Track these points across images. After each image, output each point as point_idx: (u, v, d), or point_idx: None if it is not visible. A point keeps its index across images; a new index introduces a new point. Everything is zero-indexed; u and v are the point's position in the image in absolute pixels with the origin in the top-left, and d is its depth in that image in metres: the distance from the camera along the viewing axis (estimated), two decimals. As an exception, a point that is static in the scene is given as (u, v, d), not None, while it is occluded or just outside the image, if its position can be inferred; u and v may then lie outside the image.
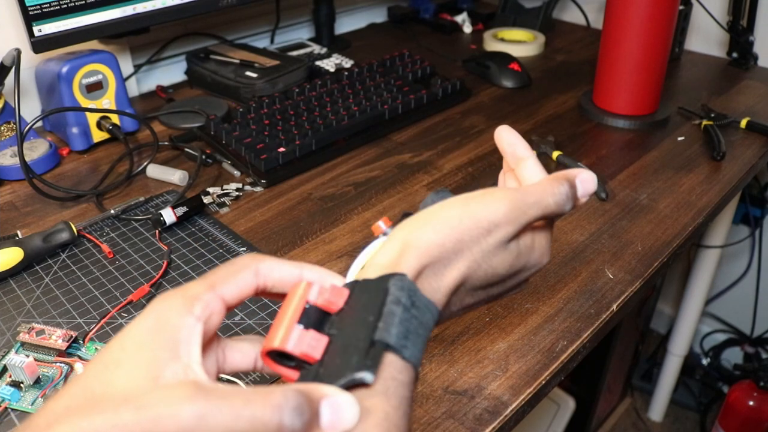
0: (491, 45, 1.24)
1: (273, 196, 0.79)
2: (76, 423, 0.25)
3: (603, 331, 0.60)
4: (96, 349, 0.56)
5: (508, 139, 0.42)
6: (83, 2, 0.83)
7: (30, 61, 0.89)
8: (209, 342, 0.32)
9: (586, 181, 0.38)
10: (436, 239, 0.33)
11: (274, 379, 0.53)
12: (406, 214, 0.35)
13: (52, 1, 0.80)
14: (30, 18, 0.79)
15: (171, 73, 1.12)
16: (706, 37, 1.24)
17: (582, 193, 0.38)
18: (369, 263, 0.34)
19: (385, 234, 0.35)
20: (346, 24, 1.36)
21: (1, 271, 0.64)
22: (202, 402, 0.25)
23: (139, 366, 0.27)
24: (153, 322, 0.28)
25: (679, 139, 0.91)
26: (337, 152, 0.87)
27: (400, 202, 0.77)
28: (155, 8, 0.90)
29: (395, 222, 0.35)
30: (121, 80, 0.89)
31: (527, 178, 0.40)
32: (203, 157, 0.83)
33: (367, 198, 0.78)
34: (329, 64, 1.13)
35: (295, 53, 1.16)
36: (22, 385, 0.52)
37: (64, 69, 0.83)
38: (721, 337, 1.62)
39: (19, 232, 0.71)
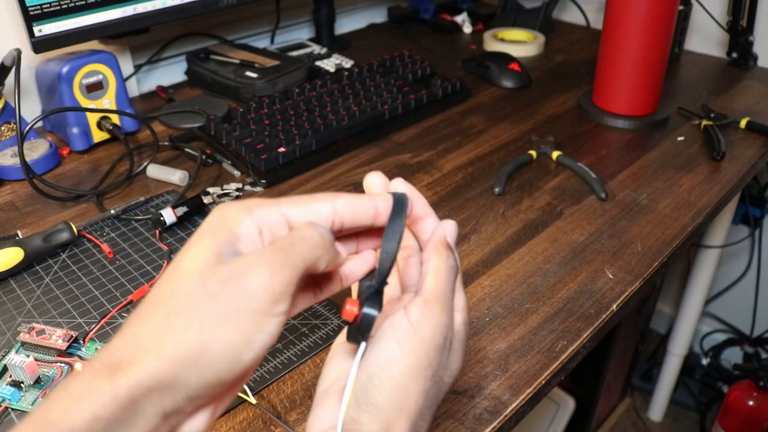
0: (491, 45, 1.24)
1: (273, 196, 0.78)
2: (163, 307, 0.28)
3: (603, 331, 0.60)
4: (96, 348, 0.56)
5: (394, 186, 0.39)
6: (83, 2, 0.83)
7: (30, 61, 0.89)
8: None
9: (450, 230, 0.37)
10: (416, 406, 0.33)
11: (275, 379, 0.53)
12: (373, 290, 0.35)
13: (52, 1, 0.80)
14: (30, 18, 0.79)
15: (171, 73, 1.12)
16: (706, 37, 1.25)
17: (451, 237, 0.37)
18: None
19: (355, 323, 0.34)
20: (346, 24, 1.36)
21: (1, 271, 0.64)
22: (268, 260, 0.29)
23: (202, 249, 0.29)
24: (213, 219, 0.31)
25: (679, 139, 0.91)
26: (337, 152, 0.87)
27: (400, 202, 0.77)
28: (155, 8, 0.90)
29: (361, 301, 0.34)
30: (122, 80, 0.89)
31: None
32: (203, 157, 0.83)
33: (367, 198, 0.78)
34: (329, 64, 1.13)
35: (295, 53, 1.16)
36: (22, 384, 0.52)
37: (65, 69, 0.83)
38: (720, 337, 1.62)
39: (19, 232, 0.71)
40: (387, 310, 0.36)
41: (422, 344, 0.33)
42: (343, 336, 0.37)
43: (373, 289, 0.34)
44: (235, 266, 0.29)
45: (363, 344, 0.34)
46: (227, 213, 0.31)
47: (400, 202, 0.36)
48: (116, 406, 0.26)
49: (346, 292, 0.38)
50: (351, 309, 0.34)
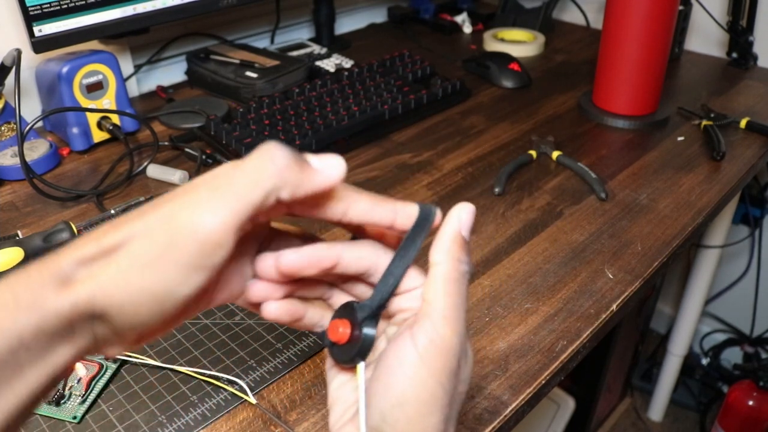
0: (491, 45, 1.24)
1: (273, 196, 0.79)
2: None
3: (603, 331, 0.60)
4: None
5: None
6: (83, 2, 0.83)
7: (30, 61, 0.89)
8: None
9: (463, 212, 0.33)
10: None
11: (275, 379, 0.53)
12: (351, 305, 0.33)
13: (52, 2, 0.80)
14: (30, 18, 0.79)
15: (171, 73, 1.12)
16: (706, 37, 1.25)
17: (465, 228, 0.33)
18: None
19: (350, 342, 0.32)
20: (346, 24, 1.36)
21: (1, 272, 0.64)
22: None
23: (214, 208, 0.28)
24: (256, 170, 0.28)
25: (679, 139, 0.91)
26: (337, 152, 0.86)
27: (400, 202, 0.77)
28: (155, 8, 0.90)
29: (354, 326, 0.32)
30: (122, 80, 0.89)
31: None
32: (203, 157, 0.83)
33: (367, 198, 0.78)
34: (329, 64, 1.13)
35: (295, 53, 1.16)
36: (22, 385, 0.52)
37: (65, 69, 0.83)
38: (720, 337, 1.62)
39: (19, 232, 0.71)
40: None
41: (435, 375, 0.30)
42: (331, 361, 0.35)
43: (371, 311, 0.32)
44: (167, 203, 0.28)
45: (362, 365, 0.32)
46: (271, 174, 0.28)
47: (425, 217, 0.33)
48: (59, 323, 0.26)
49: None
50: (344, 330, 0.32)
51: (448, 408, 0.31)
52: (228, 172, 0.28)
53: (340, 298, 0.35)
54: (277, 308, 0.33)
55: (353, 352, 0.32)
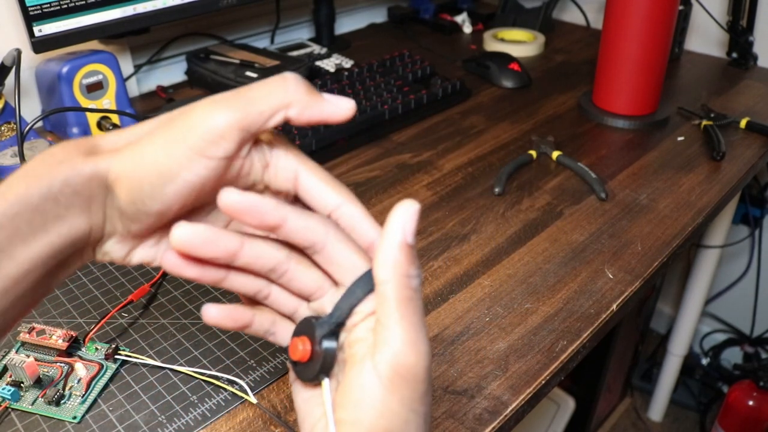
0: (491, 45, 1.24)
1: (273, 196, 0.79)
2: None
3: (603, 331, 0.60)
4: (96, 348, 0.56)
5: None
6: (83, 2, 0.83)
7: (30, 61, 0.89)
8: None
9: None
10: None
11: (275, 379, 0.53)
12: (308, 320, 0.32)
13: (52, 1, 0.80)
14: (30, 18, 0.79)
15: (171, 73, 1.12)
16: (706, 37, 1.25)
17: None
18: None
19: (308, 360, 0.32)
20: (346, 24, 1.36)
21: (1, 271, 0.64)
22: (220, 99, 0.30)
23: (219, 116, 0.30)
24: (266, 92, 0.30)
25: (679, 139, 0.91)
26: (337, 152, 0.87)
27: (400, 202, 0.77)
28: (155, 8, 0.90)
29: (314, 342, 0.31)
30: (122, 80, 0.89)
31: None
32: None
33: (367, 198, 0.78)
34: (329, 64, 1.13)
35: (295, 53, 1.16)
36: (22, 384, 0.52)
37: (65, 69, 0.83)
38: (720, 337, 1.62)
39: (19, 232, 0.71)
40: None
41: (407, 404, 0.28)
42: (296, 384, 0.34)
43: (330, 327, 0.31)
44: (191, 106, 0.30)
45: (327, 381, 0.31)
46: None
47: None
48: (81, 183, 0.29)
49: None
50: (305, 348, 0.31)
51: (424, 426, 0.30)
52: (248, 86, 0.30)
53: (279, 297, 0.34)
54: (217, 313, 0.32)
55: (316, 369, 0.31)
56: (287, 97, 0.29)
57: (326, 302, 0.33)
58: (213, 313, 0.32)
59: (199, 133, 0.29)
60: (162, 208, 0.30)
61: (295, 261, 0.32)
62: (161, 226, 0.32)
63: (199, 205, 0.33)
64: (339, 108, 0.31)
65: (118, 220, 0.31)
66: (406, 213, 0.29)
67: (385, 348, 0.28)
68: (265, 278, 0.33)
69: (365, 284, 0.31)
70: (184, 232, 0.29)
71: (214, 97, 0.30)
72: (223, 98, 0.30)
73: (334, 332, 0.31)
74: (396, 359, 0.28)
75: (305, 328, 0.33)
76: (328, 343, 0.31)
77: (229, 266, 0.32)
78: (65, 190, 0.29)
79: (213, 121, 0.29)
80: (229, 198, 0.29)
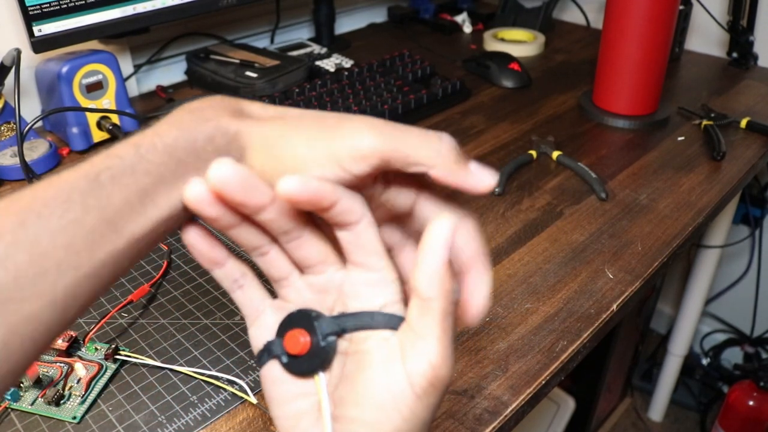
0: (491, 45, 1.24)
1: (273, 196, 0.79)
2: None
3: (603, 331, 0.60)
4: (96, 349, 0.56)
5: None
6: (83, 2, 0.83)
7: (30, 61, 0.89)
8: None
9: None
10: None
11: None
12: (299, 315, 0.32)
13: (52, 1, 0.80)
14: (30, 18, 0.79)
15: (171, 73, 1.12)
16: (706, 37, 1.24)
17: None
18: None
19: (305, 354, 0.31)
20: (346, 24, 1.36)
21: (1, 271, 0.64)
22: (375, 125, 0.30)
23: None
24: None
25: (679, 139, 0.91)
26: (337, 152, 0.87)
27: (400, 202, 0.77)
28: (155, 8, 0.90)
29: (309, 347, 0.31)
30: (121, 80, 0.89)
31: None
32: (203, 157, 0.83)
33: (367, 198, 0.78)
34: (329, 64, 1.13)
35: (295, 53, 1.16)
36: (22, 384, 0.52)
37: (64, 69, 0.83)
38: (721, 337, 1.62)
39: (19, 232, 0.71)
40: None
41: (432, 411, 0.30)
42: (274, 375, 0.33)
43: (337, 328, 0.31)
44: (349, 117, 0.31)
45: (323, 376, 0.31)
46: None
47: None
48: (226, 139, 0.30)
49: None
50: (305, 341, 0.31)
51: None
52: (409, 128, 0.31)
53: (276, 258, 0.33)
54: (198, 230, 0.31)
55: (315, 364, 0.31)
56: (435, 160, 0.30)
57: (322, 280, 0.33)
58: (194, 232, 0.31)
59: (347, 145, 0.29)
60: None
61: (311, 230, 0.32)
62: None
63: None
64: (481, 183, 0.32)
65: None
66: (447, 230, 0.29)
67: (423, 359, 0.29)
68: (271, 237, 0.32)
69: (388, 322, 0.30)
70: (227, 170, 0.27)
71: (374, 120, 0.30)
72: (381, 124, 0.30)
73: (336, 333, 0.31)
74: (433, 372, 0.29)
75: (300, 320, 0.32)
76: (331, 340, 0.31)
77: (246, 217, 0.30)
78: (208, 147, 0.29)
79: (363, 141, 0.29)
80: (290, 186, 0.27)
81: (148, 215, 0.28)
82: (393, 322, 0.30)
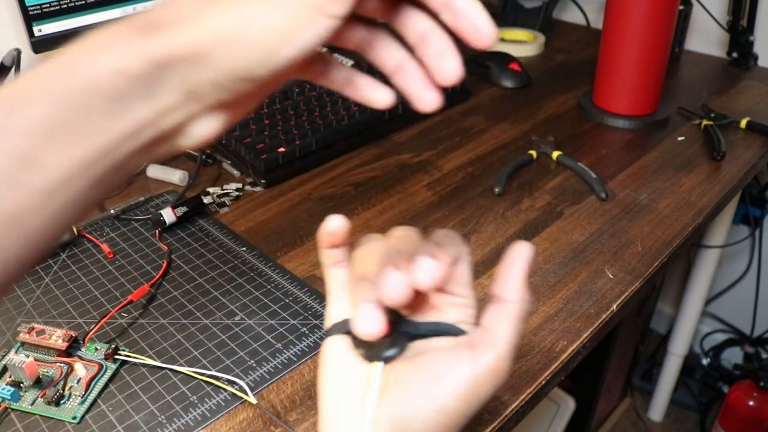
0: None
1: (273, 196, 0.79)
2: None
3: (603, 331, 0.60)
4: (96, 349, 0.56)
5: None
6: (83, 2, 0.83)
7: (30, 60, 0.89)
8: None
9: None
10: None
11: (275, 379, 0.53)
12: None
13: (52, 1, 0.80)
14: (30, 18, 0.79)
15: (171, 73, 1.12)
16: (706, 37, 1.24)
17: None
18: None
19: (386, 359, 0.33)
20: (346, 24, 1.36)
21: (1, 271, 0.64)
22: None
23: None
24: None
25: (679, 139, 0.91)
26: (337, 152, 0.87)
27: (400, 203, 0.77)
28: (155, 8, 0.90)
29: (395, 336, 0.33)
30: (121, 80, 0.89)
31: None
32: (203, 157, 0.83)
33: (367, 198, 0.78)
34: (329, 64, 1.12)
35: (295, 53, 1.16)
36: (22, 385, 0.52)
37: (64, 69, 0.83)
38: (721, 337, 1.62)
39: (19, 232, 0.71)
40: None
41: (482, 399, 0.32)
42: (337, 348, 0.35)
43: (416, 331, 0.34)
44: None
45: (381, 365, 0.33)
46: None
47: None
48: (144, 66, 0.25)
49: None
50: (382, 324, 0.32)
51: (460, 427, 0.33)
52: None
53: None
54: (340, 223, 0.36)
55: (380, 352, 0.33)
56: None
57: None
58: (337, 221, 0.36)
59: None
60: (271, 74, 0.27)
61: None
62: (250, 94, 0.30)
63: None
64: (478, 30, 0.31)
65: (211, 90, 0.27)
66: (529, 250, 0.34)
67: (488, 349, 0.32)
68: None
69: (457, 331, 0.34)
70: None
71: None
72: None
73: (413, 335, 0.34)
74: (497, 362, 0.32)
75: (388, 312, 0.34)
76: (406, 340, 0.34)
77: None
78: (117, 82, 0.25)
79: None
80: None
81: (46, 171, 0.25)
82: (460, 332, 0.34)
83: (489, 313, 0.33)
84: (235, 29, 0.26)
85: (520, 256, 0.34)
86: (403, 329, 0.34)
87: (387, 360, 0.33)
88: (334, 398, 0.34)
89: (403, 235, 0.35)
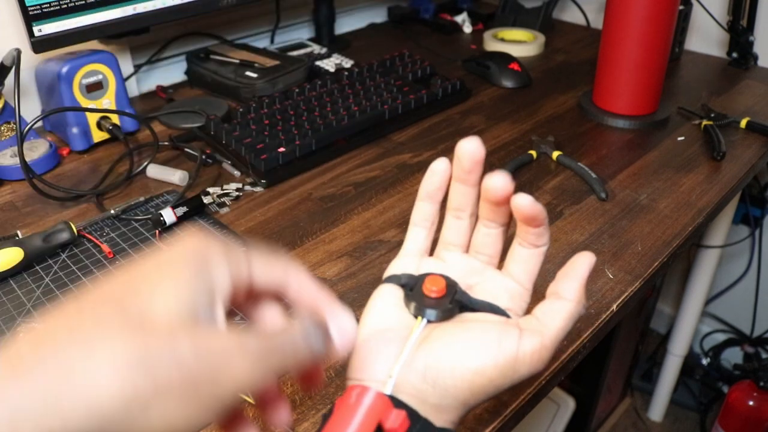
0: (491, 45, 1.24)
1: (273, 196, 0.79)
2: (120, 344, 0.23)
3: (603, 331, 0.60)
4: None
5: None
6: (83, 2, 0.83)
7: (30, 61, 0.89)
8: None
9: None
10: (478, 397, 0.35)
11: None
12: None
13: (52, 1, 0.80)
14: (30, 18, 0.79)
15: (171, 73, 1.12)
16: (706, 37, 1.25)
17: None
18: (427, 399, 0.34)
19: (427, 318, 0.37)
20: (346, 24, 1.36)
21: (1, 271, 0.64)
22: (252, 357, 0.26)
23: (179, 299, 0.26)
24: (194, 258, 0.28)
25: (679, 139, 0.91)
26: (337, 152, 0.87)
27: (400, 202, 0.77)
28: (155, 8, 0.90)
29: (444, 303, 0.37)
30: (121, 80, 0.89)
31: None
32: (203, 157, 0.83)
33: (367, 198, 0.78)
34: (329, 64, 1.13)
35: (295, 53, 1.16)
36: (22, 385, 0.52)
37: (64, 69, 0.83)
38: (721, 337, 1.62)
39: (19, 232, 0.71)
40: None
41: (512, 378, 0.35)
42: (390, 293, 0.39)
43: (467, 301, 0.37)
44: (214, 342, 0.25)
45: (425, 322, 0.36)
46: (210, 253, 0.28)
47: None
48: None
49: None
50: (440, 289, 0.37)
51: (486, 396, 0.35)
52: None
53: (463, 228, 0.41)
54: (447, 168, 0.40)
55: (426, 309, 0.36)
56: (308, 360, 0.30)
57: (479, 266, 0.40)
58: (445, 164, 0.40)
59: (231, 390, 0.26)
60: None
61: (501, 232, 0.40)
62: None
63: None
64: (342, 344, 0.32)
65: None
66: (591, 258, 0.37)
67: (536, 336, 0.35)
68: (474, 212, 0.40)
69: (503, 313, 0.38)
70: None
71: (242, 347, 0.26)
72: (255, 355, 0.27)
73: (464, 305, 0.37)
74: (540, 349, 0.35)
75: (447, 279, 0.38)
76: (457, 308, 0.37)
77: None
78: None
79: (247, 382, 0.26)
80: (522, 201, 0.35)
81: None
82: (505, 314, 0.37)
83: (543, 306, 0.36)
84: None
85: (583, 262, 0.37)
86: (457, 297, 0.37)
87: (433, 319, 0.36)
88: (373, 335, 0.37)
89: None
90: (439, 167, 0.39)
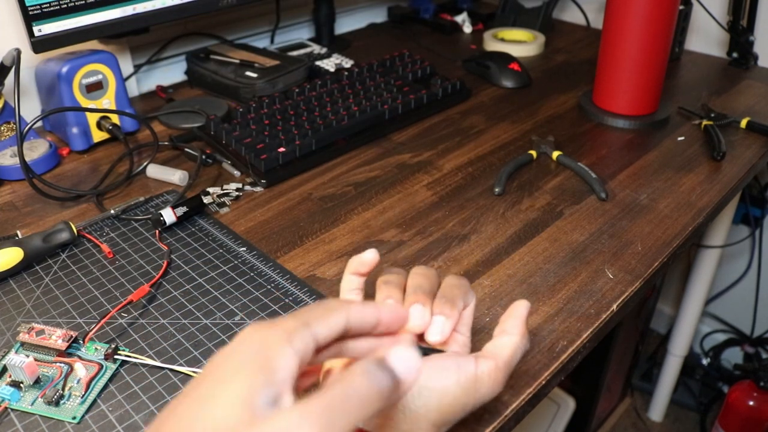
0: (491, 45, 1.24)
1: (273, 196, 0.79)
2: None
3: (603, 331, 0.60)
4: (96, 349, 0.56)
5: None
6: (83, 2, 0.83)
7: (30, 61, 0.89)
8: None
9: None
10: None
11: None
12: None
13: (52, 1, 0.80)
14: (30, 18, 0.79)
15: (171, 73, 1.12)
16: (706, 37, 1.25)
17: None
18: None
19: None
20: (346, 24, 1.36)
21: (1, 271, 0.64)
22: (318, 418, 0.26)
23: (235, 396, 0.27)
24: (250, 348, 0.29)
25: (679, 139, 0.91)
26: (337, 152, 0.87)
27: (400, 202, 0.77)
28: (155, 8, 0.90)
29: None
30: (121, 80, 0.89)
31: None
32: (203, 157, 0.83)
33: (367, 198, 0.78)
34: (329, 64, 1.13)
35: (295, 53, 1.16)
36: (22, 385, 0.52)
37: (64, 69, 0.83)
38: (721, 337, 1.62)
39: (19, 232, 0.71)
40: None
41: (475, 396, 0.40)
42: None
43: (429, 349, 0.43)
44: (274, 426, 0.26)
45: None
46: (270, 345, 0.29)
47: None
48: None
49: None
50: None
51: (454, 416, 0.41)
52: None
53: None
54: (374, 258, 0.46)
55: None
56: (382, 406, 0.30)
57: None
58: (374, 254, 0.46)
59: None
60: None
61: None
62: None
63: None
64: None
65: None
66: (526, 304, 0.46)
67: (491, 360, 0.41)
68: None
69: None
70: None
71: (304, 417, 0.26)
72: (318, 420, 0.27)
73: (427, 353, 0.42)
74: (495, 370, 0.41)
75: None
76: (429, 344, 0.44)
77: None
78: None
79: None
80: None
81: None
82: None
83: (492, 342, 0.43)
84: None
85: (521, 305, 0.45)
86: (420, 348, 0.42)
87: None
88: None
89: (424, 272, 0.45)
90: (368, 258, 0.46)
